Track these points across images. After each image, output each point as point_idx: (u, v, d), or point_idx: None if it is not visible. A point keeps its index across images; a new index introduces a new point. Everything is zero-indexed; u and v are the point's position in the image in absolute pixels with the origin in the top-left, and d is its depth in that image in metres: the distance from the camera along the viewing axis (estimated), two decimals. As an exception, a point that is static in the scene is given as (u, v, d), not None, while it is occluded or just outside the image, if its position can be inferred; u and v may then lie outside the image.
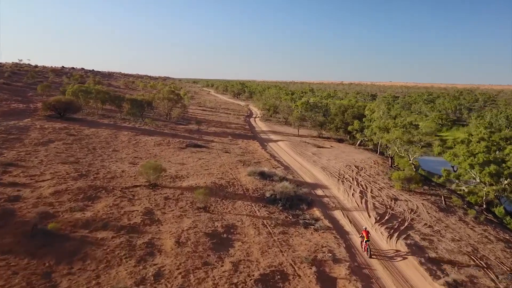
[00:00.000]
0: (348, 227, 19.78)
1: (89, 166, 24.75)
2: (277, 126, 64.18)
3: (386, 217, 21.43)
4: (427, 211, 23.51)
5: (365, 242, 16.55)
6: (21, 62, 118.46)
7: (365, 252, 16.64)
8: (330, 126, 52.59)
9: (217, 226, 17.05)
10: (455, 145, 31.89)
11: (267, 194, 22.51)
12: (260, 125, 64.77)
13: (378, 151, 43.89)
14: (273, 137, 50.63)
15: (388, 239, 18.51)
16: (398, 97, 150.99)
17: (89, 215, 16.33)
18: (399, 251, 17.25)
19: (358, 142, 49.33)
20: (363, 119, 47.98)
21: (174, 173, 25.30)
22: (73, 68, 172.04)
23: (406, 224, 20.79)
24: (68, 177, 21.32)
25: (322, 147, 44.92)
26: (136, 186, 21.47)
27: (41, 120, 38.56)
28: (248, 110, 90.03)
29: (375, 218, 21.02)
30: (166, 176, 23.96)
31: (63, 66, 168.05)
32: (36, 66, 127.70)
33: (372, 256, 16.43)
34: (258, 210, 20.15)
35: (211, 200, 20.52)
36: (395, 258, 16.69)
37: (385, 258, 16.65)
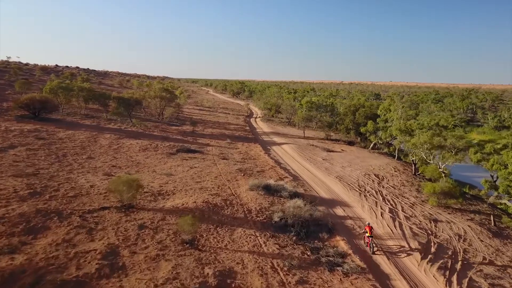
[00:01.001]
0: (387, 266, 14.64)
1: (49, 179, 19.60)
2: (280, 127, 59.08)
3: (433, 249, 16.32)
4: (478, 237, 18.42)
5: (368, 237, 16.03)
6: (10, 60, 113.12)
7: (368, 248, 16.04)
8: (339, 127, 47.48)
9: (208, 274, 11.91)
10: (494, 150, 26.78)
11: (276, 217, 17.39)
12: (261, 126, 59.66)
13: (397, 156, 38.77)
14: (276, 139, 45.50)
15: (446, 286, 13.41)
16: (403, 96, 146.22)
17: (20, 261, 11.19)
18: (404, 247, 16.43)
19: (372, 145, 44.21)
20: (377, 120, 42.90)
21: (158, 187, 20.16)
22: (67, 66, 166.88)
23: (460, 259, 15.69)
24: (14, 197, 16.16)
25: (333, 151, 39.80)
26: (104, 208, 16.34)
27: (10, 121, 33.41)
28: (248, 109, 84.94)
29: (420, 252, 15.89)
30: (147, 192, 18.86)
31: (56, 65, 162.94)
32: (26, 64, 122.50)
33: (376, 252, 15.82)
34: (264, 242, 15.02)
35: (202, 228, 15.40)
36: (399, 254, 15.85)
37: (389, 254, 15.89)
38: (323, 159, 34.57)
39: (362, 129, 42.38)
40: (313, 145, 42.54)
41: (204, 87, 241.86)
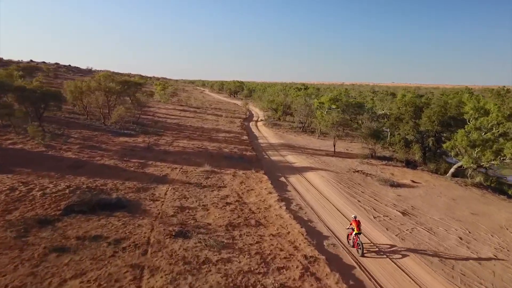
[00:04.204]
0: None
1: None
2: (292, 135, 40.99)
3: None
4: None
5: (355, 235, 12.14)
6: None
7: (355, 249, 12.19)
8: (394, 139, 29.24)
9: None
10: None
11: None
12: (265, 133, 41.55)
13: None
14: (292, 159, 27.30)
15: None
16: (423, 96, 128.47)
17: None
18: (395, 246, 12.62)
19: (452, 171, 25.98)
20: (466, 128, 24.82)
21: None
22: (44, 62, 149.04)
23: None
24: None
25: (400, 186, 21.66)
26: None
27: None
28: (246, 110, 66.91)
29: None
30: None
31: (31, 60, 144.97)
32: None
33: (366, 255, 11.84)
34: None
35: None
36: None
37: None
38: (402, 212, 16.41)
39: (446, 145, 24.10)
40: (359, 171, 24.33)
41: (200, 87, 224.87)
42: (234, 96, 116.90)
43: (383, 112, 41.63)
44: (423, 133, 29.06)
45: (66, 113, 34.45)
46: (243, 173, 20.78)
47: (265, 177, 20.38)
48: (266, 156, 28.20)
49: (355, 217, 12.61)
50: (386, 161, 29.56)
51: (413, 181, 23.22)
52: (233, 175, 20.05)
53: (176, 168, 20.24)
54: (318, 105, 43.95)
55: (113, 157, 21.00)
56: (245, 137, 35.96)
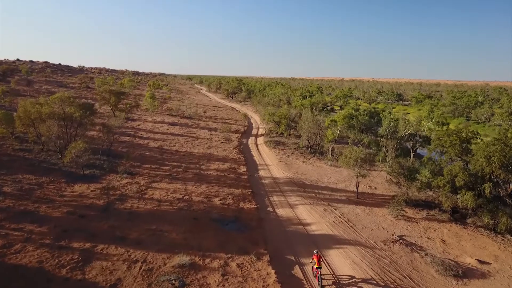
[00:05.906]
0: None
1: None
2: (299, 159, 34.07)
3: None
4: None
5: (316, 269, 13.06)
6: None
7: (316, 281, 13.15)
8: (437, 182, 22.24)
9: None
10: None
11: None
12: (267, 158, 34.64)
13: None
14: (305, 214, 20.42)
15: None
16: (431, 97, 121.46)
17: None
18: (354, 277, 13.42)
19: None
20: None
21: None
22: (31, 61, 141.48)
23: None
24: None
25: (467, 275, 14.83)
26: None
27: None
28: (245, 119, 59.90)
29: None
30: None
31: (18, 59, 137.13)
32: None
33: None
34: None
35: None
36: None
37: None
38: None
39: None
40: (399, 239, 17.50)
41: (198, 84, 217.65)
42: (232, 98, 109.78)
43: (407, 132, 34.73)
44: (475, 175, 22.16)
45: (18, 142, 27.49)
46: (238, 266, 13.86)
47: (272, 274, 13.46)
48: (271, 209, 21.31)
49: (316, 253, 13.34)
50: (425, 210, 22.82)
51: (479, 261, 16.41)
52: (222, 274, 13.13)
53: (137, 261, 13.32)
54: (329, 123, 37.09)
55: (45, 238, 14.07)
56: (242, 169, 29.04)
